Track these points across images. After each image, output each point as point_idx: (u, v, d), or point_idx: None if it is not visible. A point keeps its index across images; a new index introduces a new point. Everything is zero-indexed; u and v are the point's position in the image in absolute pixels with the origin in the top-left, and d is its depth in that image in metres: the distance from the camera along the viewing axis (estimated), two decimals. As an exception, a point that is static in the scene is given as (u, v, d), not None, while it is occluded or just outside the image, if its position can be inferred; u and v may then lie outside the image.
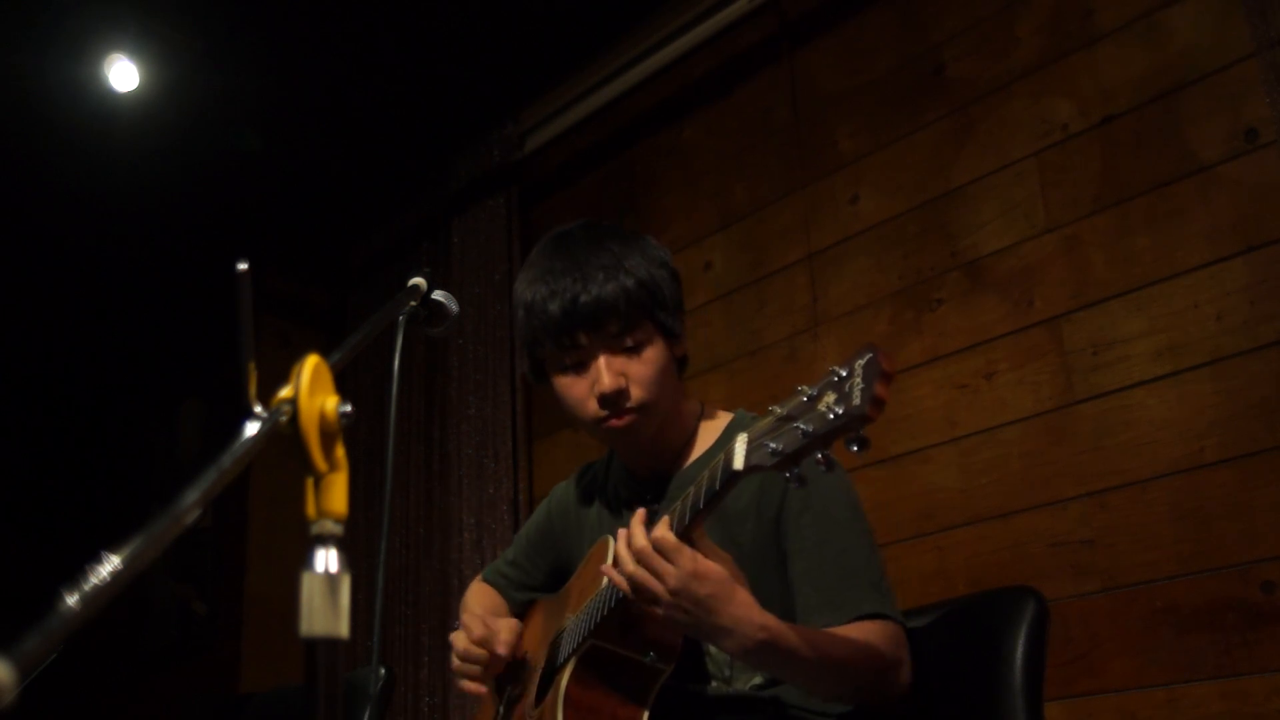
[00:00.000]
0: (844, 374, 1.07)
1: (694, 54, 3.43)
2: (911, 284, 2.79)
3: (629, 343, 1.56)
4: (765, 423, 1.17)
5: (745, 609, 1.27)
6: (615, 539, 1.58)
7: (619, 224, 1.70)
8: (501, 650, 1.64)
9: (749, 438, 1.19)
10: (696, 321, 3.24)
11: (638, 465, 1.70)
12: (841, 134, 3.04)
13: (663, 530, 1.28)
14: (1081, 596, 2.35)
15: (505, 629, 1.68)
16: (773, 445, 1.13)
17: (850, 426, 1.05)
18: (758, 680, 1.51)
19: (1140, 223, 2.42)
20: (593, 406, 1.56)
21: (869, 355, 1.06)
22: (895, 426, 2.72)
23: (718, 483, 1.23)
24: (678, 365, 1.66)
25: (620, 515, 1.71)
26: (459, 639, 1.69)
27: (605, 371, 1.54)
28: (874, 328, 2.84)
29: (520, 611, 1.87)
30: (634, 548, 1.30)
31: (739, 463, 1.19)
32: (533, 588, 1.87)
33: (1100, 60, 2.54)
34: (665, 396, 1.59)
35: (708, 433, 1.67)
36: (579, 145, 3.82)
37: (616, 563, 1.34)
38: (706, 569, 1.26)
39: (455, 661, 1.69)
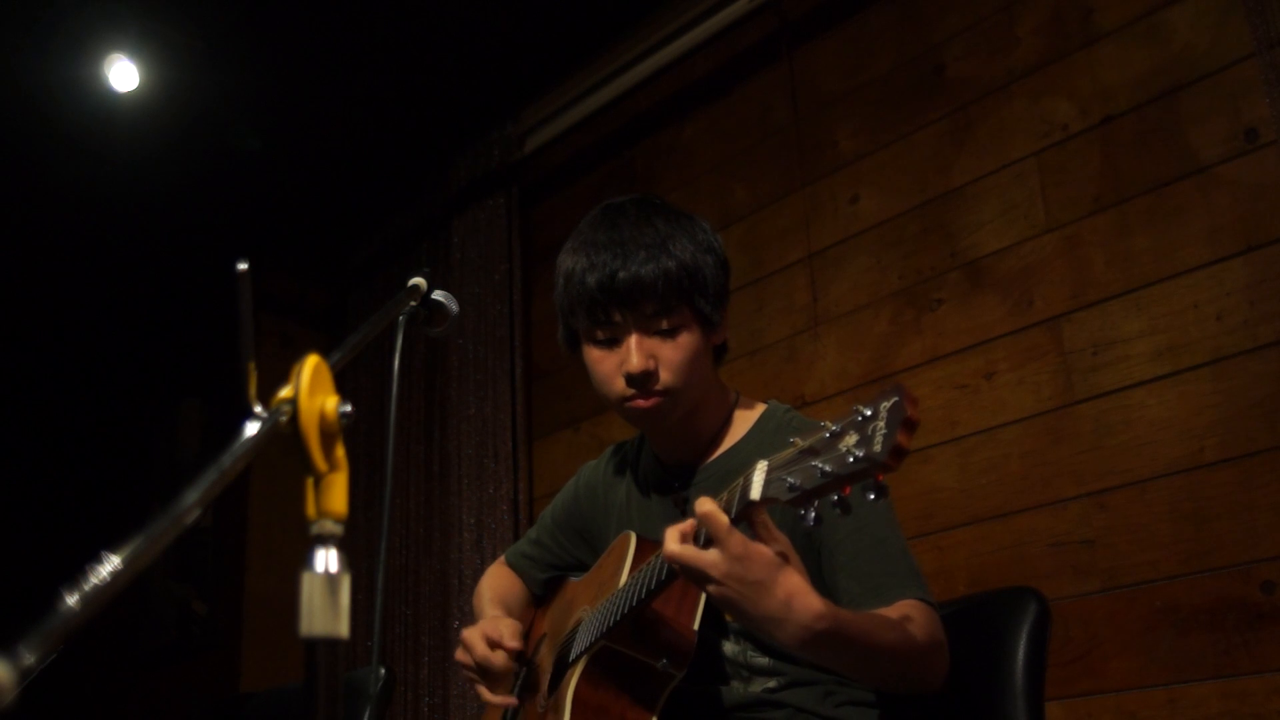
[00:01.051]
0: (868, 414, 1.04)
1: (694, 54, 3.43)
2: (911, 284, 2.79)
3: (664, 325, 1.53)
4: (787, 454, 1.14)
5: (799, 595, 1.20)
6: (634, 534, 1.57)
7: (672, 204, 1.66)
8: (512, 646, 1.64)
9: (768, 467, 1.16)
10: (696, 321, 3.24)
11: (666, 450, 1.68)
12: (841, 134, 3.04)
13: (710, 507, 1.22)
14: (1081, 596, 2.35)
15: (508, 634, 1.67)
16: (790, 480, 1.10)
17: (868, 473, 1.02)
18: (771, 684, 1.50)
19: (1140, 223, 2.42)
20: (619, 384, 1.55)
21: (895, 399, 1.02)
22: (895, 426, 2.72)
23: (733, 510, 1.20)
24: (715, 353, 1.64)
25: (648, 499, 1.70)
26: (465, 656, 1.68)
27: (635, 351, 1.52)
28: (874, 328, 2.84)
29: (544, 592, 1.87)
30: (666, 551, 1.24)
31: (756, 493, 1.16)
32: (558, 566, 1.86)
33: (1100, 60, 2.54)
34: (694, 383, 1.56)
35: (740, 423, 1.65)
36: (579, 145, 3.82)
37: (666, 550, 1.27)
38: (753, 553, 1.19)
39: (466, 672, 1.69)
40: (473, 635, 1.67)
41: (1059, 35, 2.63)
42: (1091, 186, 2.51)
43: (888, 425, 1.01)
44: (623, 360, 1.53)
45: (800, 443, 1.12)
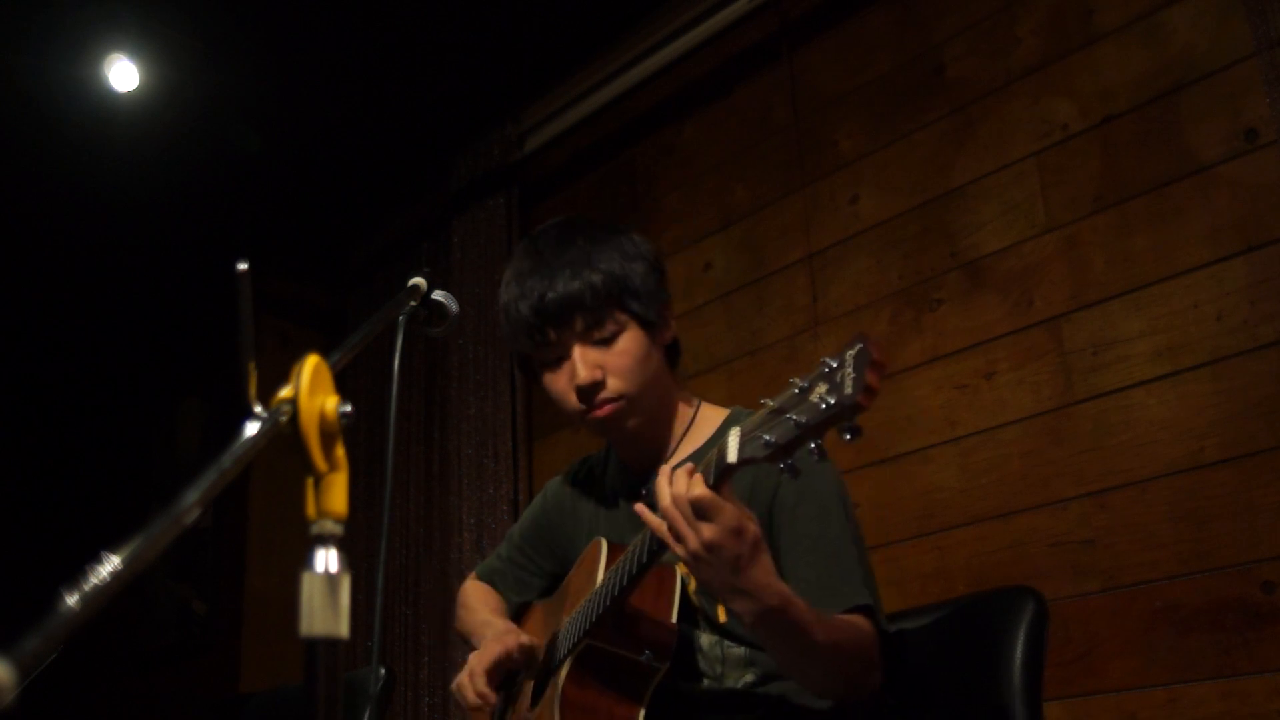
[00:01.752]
0: (834, 365, 1.08)
1: (694, 54, 3.43)
2: (911, 284, 2.79)
3: (600, 335, 1.57)
4: (758, 416, 1.17)
5: (767, 574, 1.27)
6: (605, 540, 1.59)
7: (601, 219, 1.70)
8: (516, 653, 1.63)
9: (742, 431, 1.19)
10: (696, 321, 3.24)
11: (632, 457, 1.71)
12: (841, 134, 3.04)
13: (702, 488, 1.23)
14: (1081, 596, 2.35)
15: (513, 643, 1.65)
16: (766, 437, 1.14)
17: (843, 415, 1.06)
18: (749, 678, 1.51)
19: (1140, 223, 2.42)
20: (573, 399, 1.59)
21: (859, 345, 1.07)
22: (895, 426, 2.73)
23: (711, 476, 1.23)
24: (666, 354, 1.66)
25: (616, 507, 1.71)
26: (467, 689, 1.64)
27: (580, 364, 1.57)
28: (874, 328, 2.84)
29: (516, 614, 1.86)
30: (692, 496, 1.23)
31: (733, 455, 1.19)
32: (527, 584, 1.87)
33: (1100, 60, 2.54)
34: (647, 386, 1.60)
35: (703, 426, 1.67)
36: (579, 145, 3.82)
37: (657, 505, 1.28)
38: (746, 527, 1.24)
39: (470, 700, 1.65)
40: (478, 665, 1.64)
41: (1059, 35, 2.63)
42: (1091, 186, 2.51)
43: (855, 369, 1.06)
44: (571, 374, 1.58)
45: (770, 404, 1.16)
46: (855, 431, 1.07)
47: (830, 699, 1.44)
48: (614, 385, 1.57)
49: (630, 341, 1.58)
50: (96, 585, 0.65)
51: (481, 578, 1.93)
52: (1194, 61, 2.39)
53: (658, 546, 1.33)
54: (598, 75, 3.65)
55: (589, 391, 1.57)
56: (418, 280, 1.41)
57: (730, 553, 1.23)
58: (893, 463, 2.72)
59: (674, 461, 1.64)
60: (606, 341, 1.58)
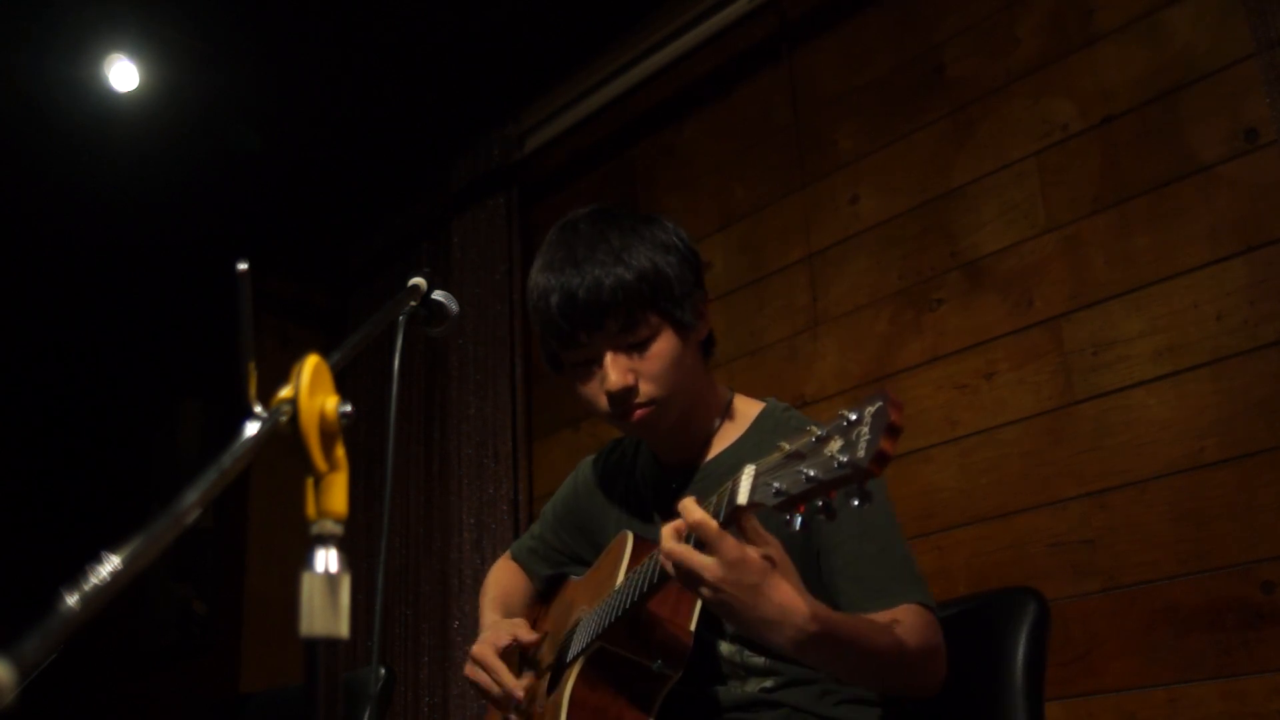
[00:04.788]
0: (853, 419, 1.05)
1: (694, 54, 3.43)
2: (911, 284, 2.79)
3: (633, 339, 1.52)
4: (773, 458, 1.14)
5: (792, 598, 1.21)
6: (631, 533, 1.58)
7: (629, 208, 1.64)
8: (529, 639, 1.66)
9: (756, 471, 1.17)
10: (696, 321, 3.24)
11: (664, 451, 1.67)
12: (841, 134, 3.04)
13: (700, 515, 1.23)
14: (1081, 596, 2.35)
15: (518, 633, 1.67)
16: (776, 485, 1.11)
17: (852, 479, 1.03)
18: (767, 684, 1.50)
19: (1140, 223, 2.42)
20: (604, 402, 1.54)
21: (879, 404, 1.03)
22: (895, 426, 2.72)
23: (721, 514, 1.21)
24: (701, 349, 1.62)
25: (645, 500, 1.69)
26: (479, 674, 1.65)
27: (611, 370, 1.51)
28: (874, 328, 2.84)
29: (547, 588, 1.86)
30: (663, 549, 1.25)
31: (743, 498, 1.17)
32: (559, 563, 1.86)
33: (1100, 60, 2.54)
34: (680, 387, 1.55)
35: (738, 422, 1.64)
36: (579, 145, 3.82)
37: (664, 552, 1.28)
38: (747, 558, 1.20)
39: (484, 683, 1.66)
40: (485, 651, 1.65)
41: (1059, 35, 2.63)
42: (1091, 186, 2.51)
43: (871, 431, 1.02)
44: (602, 379, 1.52)
45: (786, 447, 1.13)
46: (864, 498, 1.03)
47: (902, 697, 1.42)
48: (646, 390, 1.52)
49: (664, 345, 1.52)
50: (96, 585, 0.65)
51: (514, 556, 1.93)
52: (1194, 61, 2.39)
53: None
54: (598, 75, 3.65)
55: (621, 397, 1.51)
56: (418, 280, 1.40)
57: (738, 583, 1.19)
58: (893, 463, 2.71)
59: (710, 455, 1.62)
60: (639, 345, 1.52)
